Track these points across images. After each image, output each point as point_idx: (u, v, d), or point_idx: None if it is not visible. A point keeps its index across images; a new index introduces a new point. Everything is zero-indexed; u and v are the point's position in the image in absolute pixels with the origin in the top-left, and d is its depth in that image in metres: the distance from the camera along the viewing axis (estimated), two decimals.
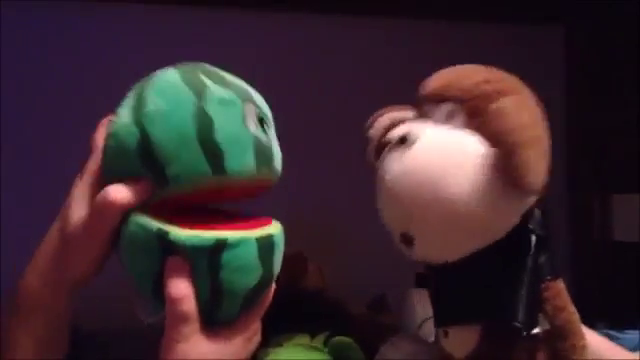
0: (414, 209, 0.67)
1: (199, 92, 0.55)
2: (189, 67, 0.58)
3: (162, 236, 0.54)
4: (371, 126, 0.76)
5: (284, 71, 1.48)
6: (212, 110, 0.55)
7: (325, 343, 1.00)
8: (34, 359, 0.59)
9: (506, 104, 0.66)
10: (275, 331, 0.99)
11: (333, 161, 1.45)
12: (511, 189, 0.65)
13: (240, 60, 1.43)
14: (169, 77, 0.57)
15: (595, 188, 1.56)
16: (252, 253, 0.56)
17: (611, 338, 0.96)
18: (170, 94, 0.55)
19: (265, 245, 0.57)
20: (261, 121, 0.58)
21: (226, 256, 0.55)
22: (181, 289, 0.54)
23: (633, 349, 0.95)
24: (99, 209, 0.55)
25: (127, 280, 0.58)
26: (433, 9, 1.51)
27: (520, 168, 0.62)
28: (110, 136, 0.56)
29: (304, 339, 1.00)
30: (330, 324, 1.05)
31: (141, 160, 0.55)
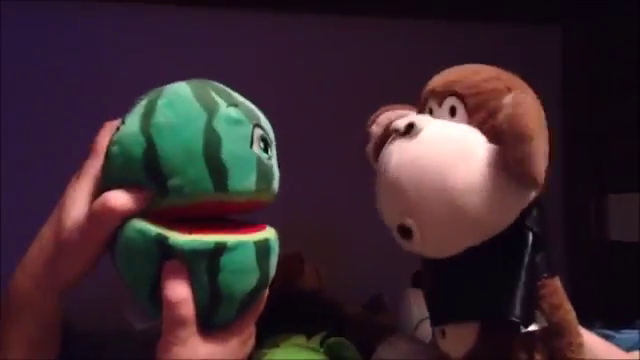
0: (415, 199, 0.66)
1: (210, 109, 0.56)
2: (200, 83, 0.59)
3: (161, 241, 0.55)
4: (373, 122, 0.77)
5: (283, 71, 1.48)
6: (221, 129, 0.56)
7: (321, 343, 1.00)
8: (25, 359, 0.59)
9: (516, 99, 0.66)
10: (271, 331, 0.99)
11: (331, 161, 1.45)
12: (515, 183, 0.65)
13: (240, 60, 1.44)
14: (180, 91, 0.57)
15: (592, 188, 1.56)
16: (250, 257, 0.57)
17: (608, 337, 0.97)
18: (181, 108, 0.56)
19: (262, 249, 0.58)
20: (265, 143, 0.59)
21: (225, 260, 0.56)
22: (179, 292, 0.54)
23: (630, 348, 0.96)
24: (97, 215, 0.55)
25: (121, 284, 0.58)
26: (432, 9, 1.51)
27: (528, 161, 0.63)
28: (115, 143, 0.57)
29: (300, 339, 1.00)
30: (327, 324, 1.05)
31: (145, 170, 0.55)
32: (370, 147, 0.77)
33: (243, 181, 0.57)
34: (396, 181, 0.68)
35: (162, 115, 0.55)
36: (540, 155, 0.63)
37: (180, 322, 0.54)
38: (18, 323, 0.59)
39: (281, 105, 1.32)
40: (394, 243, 0.72)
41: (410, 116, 0.71)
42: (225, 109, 0.57)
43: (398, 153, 0.69)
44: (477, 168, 0.66)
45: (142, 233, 0.55)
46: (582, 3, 1.51)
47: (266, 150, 0.59)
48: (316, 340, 1.00)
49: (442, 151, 0.66)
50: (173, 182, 0.55)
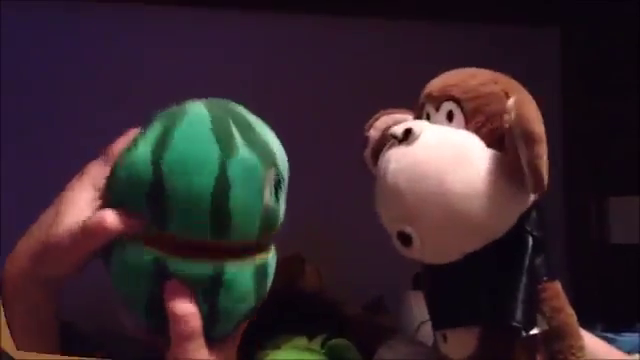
0: (414, 205, 0.66)
1: (227, 150, 0.54)
2: (221, 111, 0.56)
3: (160, 265, 0.54)
4: (370, 127, 0.77)
5: (285, 72, 1.48)
6: (234, 176, 0.53)
7: (323, 345, 1.00)
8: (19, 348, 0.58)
9: (519, 102, 0.66)
10: (273, 332, 0.99)
11: (332, 162, 1.45)
12: (515, 187, 0.65)
13: (240, 61, 1.44)
14: (199, 120, 0.55)
15: (592, 190, 1.56)
16: (248, 281, 0.56)
17: (608, 340, 0.97)
18: (197, 145, 0.53)
19: (260, 272, 0.57)
20: (277, 184, 0.57)
21: (223, 285, 0.55)
22: (185, 307, 0.54)
23: (630, 351, 0.96)
24: (90, 230, 0.54)
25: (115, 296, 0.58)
26: (430, 11, 1.51)
27: (533, 165, 0.63)
28: (124, 165, 0.55)
29: (302, 341, 1.00)
30: (327, 325, 1.05)
31: (147, 201, 0.54)
32: (368, 152, 0.76)
33: (245, 230, 0.55)
34: (394, 188, 0.67)
35: (176, 151, 0.53)
36: (545, 158, 0.63)
37: (188, 336, 0.54)
38: (10, 312, 0.58)
39: (283, 106, 1.32)
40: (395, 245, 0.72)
41: (407, 122, 0.70)
42: (242, 151, 0.54)
43: (396, 160, 0.68)
44: (476, 173, 0.65)
45: (139, 255, 0.54)
46: (581, 3, 1.51)
47: (277, 192, 0.57)
48: (317, 342, 1.00)
49: (440, 156, 0.66)
50: (172, 220, 0.54)
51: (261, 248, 0.58)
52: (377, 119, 0.77)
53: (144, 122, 0.58)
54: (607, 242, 1.53)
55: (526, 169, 0.63)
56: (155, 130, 0.55)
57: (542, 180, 0.63)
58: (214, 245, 0.55)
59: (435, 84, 0.72)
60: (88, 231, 0.55)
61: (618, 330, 1.12)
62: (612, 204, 1.52)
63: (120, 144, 0.58)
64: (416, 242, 0.68)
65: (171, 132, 0.54)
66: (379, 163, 0.71)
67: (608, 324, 1.17)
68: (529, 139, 0.63)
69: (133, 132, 0.58)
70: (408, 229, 0.67)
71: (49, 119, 1.35)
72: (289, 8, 1.47)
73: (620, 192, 1.50)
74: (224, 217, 0.54)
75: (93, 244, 0.55)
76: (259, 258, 0.57)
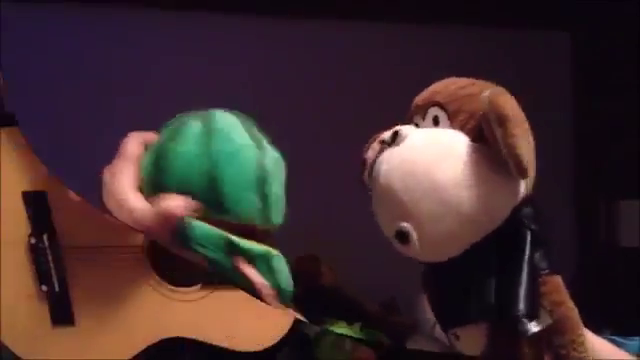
0: (407, 201, 0.68)
1: (259, 146, 0.65)
2: (239, 117, 0.67)
3: (232, 244, 0.64)
4: (367, 149, 0.78)
5: (287, 75, 1.48)
6: (269, 165, 0.65)
7: (360, 330, 1.06)
8: None
9: (494, 91, 0.69)
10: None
11: (342, 165, 1.44)
12: (503, 176, 0.68)
13: (240, 63, 1.44)
14: (232, 120, 0.66)
15: (602, 194, 1.57)
16: (285, 264, 0.68)
17: (616, 344, 0.96)
18: (238, 139, 0.65)
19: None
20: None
21: (274, 263, 0.66)
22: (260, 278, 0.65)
23: (638, 355, 0.95)
24: (165, 213, 0.64)
25: None
26: (439, 14, 1.52)
27: (508, 144, 0.66)
28: (178, 156, 0.64)
29: (343, 324, 1.07)
30: (352, 318, 1.11)
31: (205, 189, 0.63)
32: (366, 175, 0.78)
33: (278, 216, 0.67)
34: (388, 187, 0.70)
35: (223, 143, 0.63)
36: (522, 138, 0.66)
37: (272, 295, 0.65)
38: None
39: (287, 107, 1.32)
40: None
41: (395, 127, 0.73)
42: (270, 149, 0.65)
43: (387, 161, 0.71)
44: (462, 165, 0.68)
45: (210, 234, 0.63)
46: (591, 4, 1.51)
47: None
48: (356, 327, 1.07)
49: (427, 152, 0.69)
50: (226, 206, 0.64)
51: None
52: (374, 140, 0.78)
53: (170, 121, 0.66)
54: (617, 245, 1.53)
55: (504, 151, 0.66)
56: (193, 127, 0.64)
57: (521, 161, 0.66)
58: (250, 228, 0.65)
59: (420, 96, 0.76)
60: (162, 214, 0.64)
61: (626, 333, 1.11)
62: (622, 208, 1.53)
63: (130, 142, 0.67)
64: (413, 237, 0.69)
65: (213, 129, 0.64)
66: (373, 170, 0.73)
67: (616, 327, 1.16)
68: (502, 120, 0.66)
69: (140, 134, 0.67)
70: (405, 225, 0.69)
71: (49, 119, 1.35)
72: (290, 13, 1.47)
73: (631, 195, 1.51)
74: (266, 199, 0.65)
75: (169, 224, 0.64)
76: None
